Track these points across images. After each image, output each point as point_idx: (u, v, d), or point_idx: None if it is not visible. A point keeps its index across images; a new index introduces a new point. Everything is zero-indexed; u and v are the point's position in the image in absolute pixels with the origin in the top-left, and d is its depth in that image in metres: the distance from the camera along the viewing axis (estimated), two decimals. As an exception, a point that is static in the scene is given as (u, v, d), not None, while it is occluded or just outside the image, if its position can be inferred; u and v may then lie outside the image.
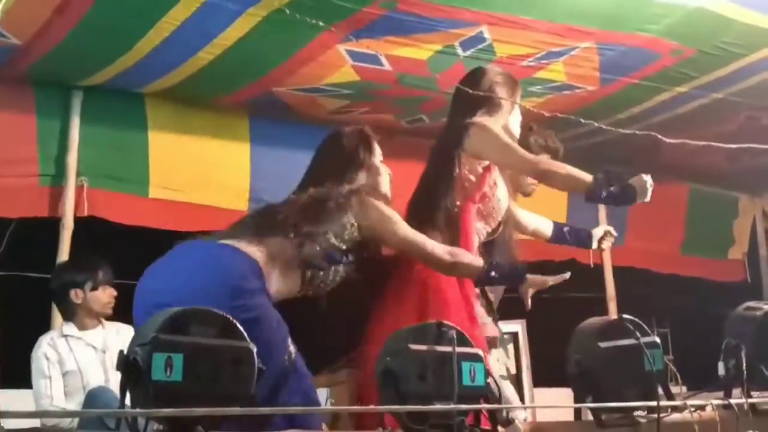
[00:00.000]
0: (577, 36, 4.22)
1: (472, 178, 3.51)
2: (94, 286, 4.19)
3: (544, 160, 3.57)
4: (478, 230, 3.54)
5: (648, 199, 3.51)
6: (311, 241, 3.06)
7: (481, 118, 3.51)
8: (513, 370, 5.00)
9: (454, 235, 3.44)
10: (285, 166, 3.61)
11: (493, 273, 3.25)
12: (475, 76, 3.67)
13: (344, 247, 3.13)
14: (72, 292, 4.19)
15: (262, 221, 3.13)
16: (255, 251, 2.98)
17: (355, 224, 3.14)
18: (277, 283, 3.01)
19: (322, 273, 3.10)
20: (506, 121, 3.61)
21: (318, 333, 3.58)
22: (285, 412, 2.69)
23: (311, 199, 3.17)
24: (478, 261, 3.29)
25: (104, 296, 4.22)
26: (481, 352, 2.71)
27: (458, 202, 3.47)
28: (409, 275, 3.33)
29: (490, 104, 3.57)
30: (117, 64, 4.30)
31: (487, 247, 3.63)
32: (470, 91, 3.57)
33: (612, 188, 3.42)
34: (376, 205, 3.19)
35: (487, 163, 3.53)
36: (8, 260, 4.59)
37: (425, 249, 3.19)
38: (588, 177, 3.42)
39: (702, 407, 3.21)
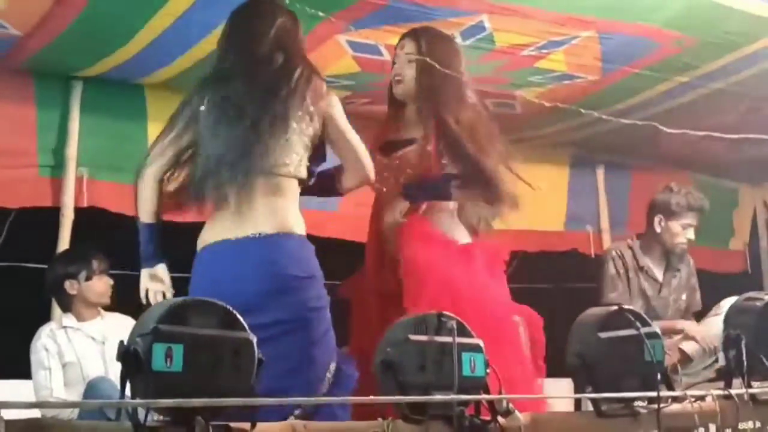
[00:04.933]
0: (578, 25, 4.20)
1: None
2: (89, 276, 4.19)
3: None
4: None
5: None
6: (289, 150, 3.07)
7: None
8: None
9: None
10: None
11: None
12: None
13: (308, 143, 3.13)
14: (67, 284, 4.18)
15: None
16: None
17: (315, 114, 3.14)
18: None
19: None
20: None
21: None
22: (294, 402, 2.69)
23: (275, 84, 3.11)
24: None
25: (100, 286, 4.22)
26: (481, 343, 2.71)
27: None
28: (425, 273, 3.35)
29: None
30: (117, 55, 4.28)
31: None
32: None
33: None
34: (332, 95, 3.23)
35: None
36: (8, 251, 4.58)
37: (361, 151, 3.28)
38: None
39: (702, 397, 3.21)
